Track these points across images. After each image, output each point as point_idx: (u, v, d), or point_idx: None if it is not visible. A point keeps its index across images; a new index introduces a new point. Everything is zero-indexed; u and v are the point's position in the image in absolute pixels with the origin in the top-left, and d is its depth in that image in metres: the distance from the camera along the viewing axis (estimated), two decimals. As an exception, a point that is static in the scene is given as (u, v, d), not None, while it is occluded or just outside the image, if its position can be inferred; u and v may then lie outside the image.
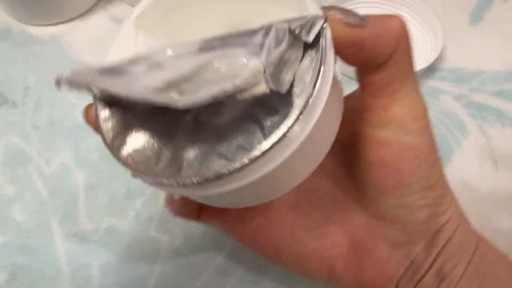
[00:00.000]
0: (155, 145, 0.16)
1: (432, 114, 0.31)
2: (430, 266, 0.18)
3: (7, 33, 0.35)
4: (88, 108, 0.17)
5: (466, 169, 0.29)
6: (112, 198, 0.28)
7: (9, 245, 0.26)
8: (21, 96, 0.32)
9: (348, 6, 0.36)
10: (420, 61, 0.33)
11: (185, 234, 0.27)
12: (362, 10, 0.36)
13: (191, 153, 0.15)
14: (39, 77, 0.32)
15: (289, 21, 0.14)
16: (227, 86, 0.14)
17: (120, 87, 0.15)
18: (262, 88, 0.14)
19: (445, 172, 0.29)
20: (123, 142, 0.16)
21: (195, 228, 0.27)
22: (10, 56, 0.33)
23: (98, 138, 0.29)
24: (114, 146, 0.15)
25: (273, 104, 0.15)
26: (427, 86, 0.33)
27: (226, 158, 0.15)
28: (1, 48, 0.34)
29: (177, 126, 0.16)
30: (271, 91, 0.14)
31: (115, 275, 0.25)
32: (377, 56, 0.15)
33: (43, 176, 0.28)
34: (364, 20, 0.15)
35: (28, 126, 0.30)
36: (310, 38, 0.14)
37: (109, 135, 0.16)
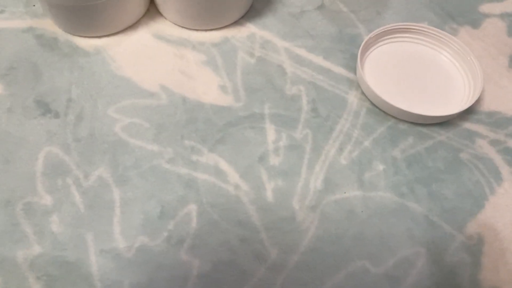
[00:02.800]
0: None
1: (467, 157, 0.31)
2: None
3: (54, 42, 0.36)
4: None
5: (499, 217, 0.29)
6: (146, 217, 0.28)
7: (45, 256, 0.27)
8: (64, 107, 0.32)
9: (388, 42, 0.36)
10: (458, 103, 0.33)
11: (215, 260, 0.27)
12: (402, 46, 0.36)
13: None
14: (82, 90, 0.33)
15: None
16: None
17: None
18: None
19: (477, 219, 0.29)
20: None
21: (224, 254, 0.27)
22: (56, 66, 0.35)
23: (135, 155, 0.30)
24: None
25: None
26: (463, 128, 0.33)
27: None
28: (49, 57, 0.35)
29: None
30: None
31: (145, 295, 0.26)
32: None
33: (81, 189, 0.29)
34: None
35: (69, 138, 0.31)
36: None
37: None
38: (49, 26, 0.37)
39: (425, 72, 0.35)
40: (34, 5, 0.38)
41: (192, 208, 0.29)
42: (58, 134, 0.31)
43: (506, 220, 0.29)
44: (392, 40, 0.36)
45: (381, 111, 0.33)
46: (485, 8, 0.40)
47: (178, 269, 0.26)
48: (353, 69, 0.35)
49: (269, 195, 0.29)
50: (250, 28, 0.38)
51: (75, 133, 0.31)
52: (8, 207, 0.28)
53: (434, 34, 0.36)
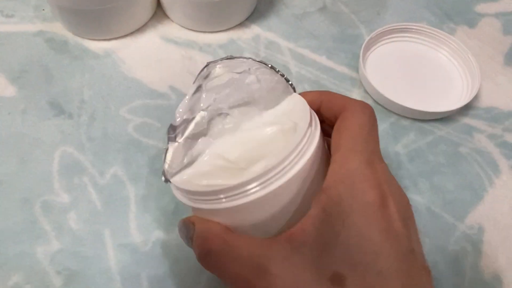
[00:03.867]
0: None
1: (466, 151, 0.33)
2: None
3: (64, 45, 0.37)
4: None
5: (497, 207, 0.30)
6: (161, 212, 0.29)
7: (64, 251, 0.28)
8: (77, 108, 0.33)
9: (388, 41, 0.38)
10: (457, 99, 0.35)
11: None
12: (402, 45, 0.38)
13: None
14: (94, 91, 0.34)
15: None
16: None
17: None
18: None
19: (477, 210, 0.30)
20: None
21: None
22: (67, 69, 0.36)
23: (148, 153, 0.31)
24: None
25: None
26: (463, 123, 0.34)
27: None
28: (60, 60, 0.36)
29: None
30: None
31: (162, 287, 0.27)
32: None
33: (97, 187, 0.30)
34: None
35: (83, 138, 0.32)
36: None
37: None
38: (59, 29, 0.38)
39: (425, 70, 0.36)
40: (43, 10, 0.39)
41: (205, 203, 0.30)
42: (72, 134, 0.32)
43: (504, 210, 0.30)
44: (392, 39, 0.38)
45: (384, 108, 0.34)
46: (480, 8, 0.41)
47: (193, 262, 0.27)
48: (355, 68, 0.37)
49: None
50: (254, 30, 0.39)
51: (89, 133, 0.32)
52: (27, 206, 0.29)
53: (433, 34, 0.37)
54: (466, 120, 0.34)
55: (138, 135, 0.32)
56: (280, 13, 0.40)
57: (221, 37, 0.38)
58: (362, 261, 0.17)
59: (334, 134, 0.21)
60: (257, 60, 0.24)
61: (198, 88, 0.24)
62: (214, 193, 0.20)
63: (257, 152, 0.21)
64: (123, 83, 0.35)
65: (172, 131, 0.23)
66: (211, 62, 0.24)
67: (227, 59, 0.24)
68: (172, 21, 0.39)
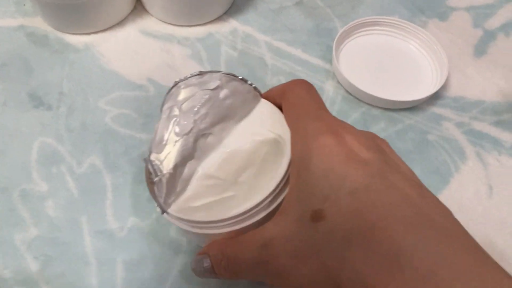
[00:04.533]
0: None
1: (434, 138, 0.34)
2: None
3: (45, 39, 0.38)
4: None
5: (463, 192, 0.32)
6: (136, 200, 0.30)
7: (42, 237, 0.28)
8: (56, 101, 0.34)
9: (361, 34, 0.39)
10: (426, 89, 0.36)
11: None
12: (374, 38, 0.39)
13: None
14: (73, 84, 0.35)
15: None
16: None
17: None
18: None
19: (443, 194, 0.31)
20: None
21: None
22: (47, 62, 0.36)
23: (125, 143, 0.32)
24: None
25: None
26: (431, 112, 0.35)
27: None
28: (40, 53, 0.37)
29: None
30: None
31: (137, 271, 0.27)
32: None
33: (75, 176, 0.31)
34: None
35: (62, 129, 0.33)
36: None
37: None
38: (40, 24, 0.39)
39: (396, 62, 0.37)
40: (24, 5, 0.40)
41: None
42: (51, 126, 0.33)
43: (469, 194, 0.31)
44: (365, 32, 0.39)
45: (355, 98, 0.36)
46: (452, 2, 0.43)
47: (168, 246, 0.28)
48: (329, 61, 0.38)
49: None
50: (232, 24, 0.40)
51: (68, 124, 0.33)
52: (5, 194, 0.30)
53: (403, 26, 0.38)
54: (435, 109, 0.36)
55: (115, 125, 0.33)
56: (258, 7, 0.41)
57: (200, 31, 0.39)
58: (332, 188, 0.18)
59: (284, 113, 0.23)
60: (226, 72, 0.25)
61: (172, 109, 0.23)
62: (215, 222, 0.22)
63: (243, 164, 0.22)
64: (102, 75, 0.36)
65: (156, 162, 0.22)
66: (180, 80, 0.24)
67: (197, 75, 0.25)
68: (152, 15, 0.40)
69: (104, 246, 0.28)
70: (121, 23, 0.39)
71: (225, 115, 0.24)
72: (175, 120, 0.23)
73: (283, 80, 0.36)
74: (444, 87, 0.36)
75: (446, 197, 0.31)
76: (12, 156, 0.31)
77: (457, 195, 0.31)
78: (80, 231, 0.29)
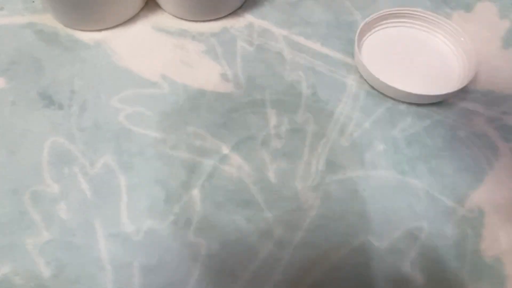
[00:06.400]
0: None
1: (464, 134, 0.32)
2: None
3: (55, 37, 0.36)
4: None
5: (498, 190, 0.30)
6: (152, 201, 0.29)
7: (54, 241, 0.27)
8: (67, 99, 0.33)
9: (384, 27, 0.37)
10: (453, 82, 0.34)
11: (222, 240, 0.27)
12: (397, 30, 0.37)
13: None
14: (84, 81, 0.34)
15: None
16: None
17: None
18: None
19: (477, 193, 0.30)
20: None
21: (231, 234, 0.28)
22: (58, 60, 0.35)
23: (140, 142, 0.31)
24: None
25: None
26: (460, 107, 0.33)
27: None
28: (50, 51, 0.35)
29: None
30: None
31: (155, 276, 0.26)
32: None
33: (88, 176, 0.29)
34: None
35: (73, 128, 0.31)
36: None
37: None
38: (49, 21, 0.37)
39: (421, 55, 0.36)
40: (33, 1, 0.39)
41: (197, 191, 0.29)
42: (62, 125, 0.32)
43: (504, 193, 0.30)
44: (387, 25, 0.37)
45: (380, 93, 0.34)
46: (476, -8, 0.41)
47: (186, 250, 0.27)
48: (351, 54, 0.36)
49: (272, 176, 0.30)
50: (248, 18, 0.38)
51: (79, 123, 0.32)
52: (16, 196, 0.28)
53: (427, 18, 0.36)
54: (464, 104, 0.34)
55: (129, 124, 0.32)
56: (274, 1, 0.40)
57: (214, 26, 0.38)
58: None
59: None
60: None
61: None
62: None
63: None
64: (114, 73, 0.34)
65: None
66: None
67: None
68: (164, 10, 0.39)
69: (120, 250, 0.27)
70: (133, 19, 0.38)
71: None
72: None
73: (302, 75, 0.35)
74: (472, 80, 0.34)
75: (480, 196, 0.29)
76: (22, 156, 0.30)
77: (492, 194, 0.29)
78: (94, 235, 0.27)
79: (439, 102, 0.33)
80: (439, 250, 0.27)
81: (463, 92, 0.34)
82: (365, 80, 0.34)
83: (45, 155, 0.30)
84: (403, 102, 0.33)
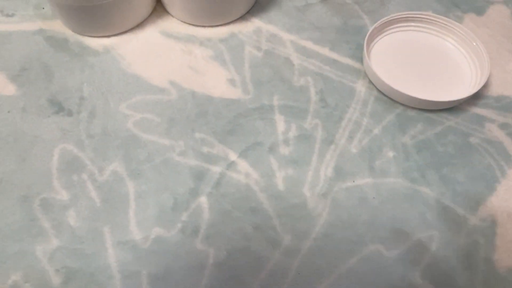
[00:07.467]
0: None
1: (476, 141, 0.31)
2: None
3: (64, 43, 0.37)
4: None
5: (511, 199, 0.29)
6: (160, 209, 0.29)
7: (64, 248, 0.27)
8: (77, 105, 0.33)
9: (393, 31, 0.37)
10: (465, 88, 0.33)
11: (230, 248, 0.27)
12: (407, 35, 0.37)
13: None
14: (93, 88, 0.34)
15: None
16: None
17: None
18: None
19: (490, 201, 0.29)
20: None
21: (239, 242, 0.27)
22: (67, 66, 0.35)
23: (148, 149, 0.31)
24: None
25: None
26: (472, 113, 0.33)
27: None
28: (60, 57, 0.36)
29: None
30: None
31: (163, 284, 0.26)
32: None
33: (96, 183, 0.29)
34: None
35: (83, 135, 0.32)
36: None
37: None
38: (59, 27, 0.38)
39: (432, 59, 0.35)
40: (43, 8, 0.39)
41: (204, 199, 0.29)
42: (72, 132, 0.32)
43: (518, 201, 0.29)
44: (397, 29, 0.36)
45: (389, 99, 0.33)
46: (488, -5, 0.40)
47: (194, 258, 0.27)
48: (359, 59, 0.36)
49: (280, 183, 0.30)
50: (255, 23, 0.38)
51: (89, 130, 0.32)
52: (26, 203, 0.29)
53: (438, 22, 0.36)
54: (476, 110, 0.33)
55: (138, 130, 0.32)
56: (282, 6, 0.39)
57: (222, 31, 0.38)
58: None
59: None
60: None
61: None
62: None
63: None
64: (122, 79, 0.35)
65: None
66: None
67: None
68: (172, 16, 0.39)
69: (128, 258, 0.27)
70: (141, 24, 0.38)
71: None
72: None
73: (310, 80, 0.35)
74: (484, 86, 0.34)
75: (493, 205, 0.29)
76: (32, 163, 0.30)
77: (505, 203, 0.29)
78: (103, 242, 0.27)
79: (450, 108, 0.33)
80: (450, 260, 0.27)
81: (475, 98, 0.33)
82: (374, 85, 0.34)
83: (55, 162, 0.30)
84: (413, 108, 0.33)
